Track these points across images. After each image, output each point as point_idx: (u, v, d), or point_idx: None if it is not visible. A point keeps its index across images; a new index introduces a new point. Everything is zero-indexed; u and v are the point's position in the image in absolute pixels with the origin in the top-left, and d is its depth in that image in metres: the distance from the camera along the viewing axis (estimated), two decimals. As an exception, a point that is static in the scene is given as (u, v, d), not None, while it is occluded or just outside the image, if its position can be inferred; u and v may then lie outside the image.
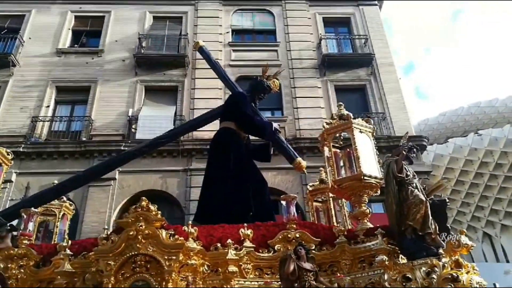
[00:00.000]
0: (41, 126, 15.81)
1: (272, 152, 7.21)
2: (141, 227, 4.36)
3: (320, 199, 7.38)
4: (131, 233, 4.34)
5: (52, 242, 6.56)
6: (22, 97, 16.33)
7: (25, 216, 5.22)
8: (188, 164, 15.26)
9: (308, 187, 7.42)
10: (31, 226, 5.21)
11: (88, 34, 18.71)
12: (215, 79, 17.14)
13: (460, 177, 27.78)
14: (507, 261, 25.30)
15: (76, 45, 18.29)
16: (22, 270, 4.81)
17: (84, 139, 15.61)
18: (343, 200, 6.86)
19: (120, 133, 15.91)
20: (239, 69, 17.32)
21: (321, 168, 7.56)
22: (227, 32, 18.76)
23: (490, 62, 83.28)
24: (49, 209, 6.98)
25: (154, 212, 4.49)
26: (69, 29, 18.56)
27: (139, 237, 4.33)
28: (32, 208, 5.43)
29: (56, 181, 7.85)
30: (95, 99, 16.63)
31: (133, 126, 16.00)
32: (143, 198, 4.57)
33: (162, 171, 15.11)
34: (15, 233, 5.37)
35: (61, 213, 7.09)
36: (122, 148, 14.95)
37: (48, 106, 16.40)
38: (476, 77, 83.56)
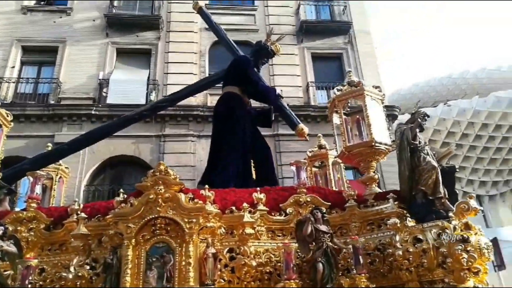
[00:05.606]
0: (6, 87, 15.08)
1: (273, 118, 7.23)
2: (160, 191, 4.35)
3: (318, 165, 7.53)
4: (151, 196, 4.34)
5: (49, 205, 6.41)
6: (-15, 57, 15.42)
7: (31, 179, 5.07)
8: (162, 130, 15.05)
9: (308, 152, 7.53)
10: (38, 189, 5.05)
11: (55, -9, 17.66)
12: (190, 43, 17.05)
13: (427, 146, 28.76)
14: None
15: (42, 2, 17.27)
16: (32, 233, 4.74)
17: (52, 102, 15.05)
18: (342, 165, 7.03)
19: (91, 96, 15.41)
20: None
21: (320, 135, 7.69)
22: (203, -6, 18.18)
23: (464, 34, 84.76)
24: (45, 172, 6.79)
25: (173, 176, 4.50)
26: (35, -16, 17.47)
27: (159, 200, 4.33)
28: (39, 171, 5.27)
29: (50, 145, 7.61)
30: (63, 60, 15.95)
31: (104, 90, 15.51)
32: (161, 162, 4.57)
33: (134, 136, 14.60)
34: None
35: (58, 177, 6.94)
36: (92, 112, 14.60)
37: (13, 67, 15.60)
38: (450, 48, 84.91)
